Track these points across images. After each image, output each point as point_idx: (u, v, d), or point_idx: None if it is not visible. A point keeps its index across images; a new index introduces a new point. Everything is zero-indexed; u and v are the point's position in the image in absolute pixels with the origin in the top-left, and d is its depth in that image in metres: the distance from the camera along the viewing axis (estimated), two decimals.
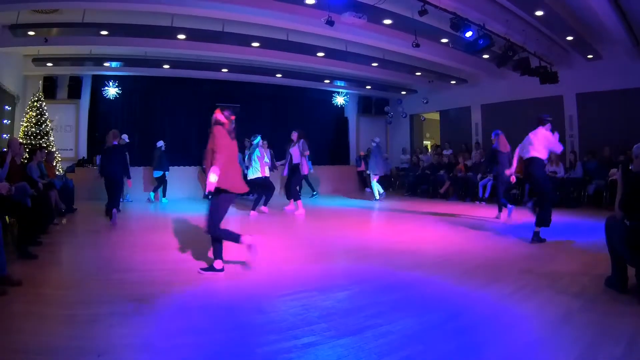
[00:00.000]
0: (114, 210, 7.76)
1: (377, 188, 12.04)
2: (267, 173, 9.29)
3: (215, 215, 4.42)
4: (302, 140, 9.71)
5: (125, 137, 10.03)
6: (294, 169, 9.70)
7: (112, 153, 7.85)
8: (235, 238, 4.44)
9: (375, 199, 11.97)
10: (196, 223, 8.29)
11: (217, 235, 4.46)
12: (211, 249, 4.56)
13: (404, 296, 3.72)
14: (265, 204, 9.54)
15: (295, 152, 9.71)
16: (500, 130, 8.54)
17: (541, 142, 6.21)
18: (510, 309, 3.36)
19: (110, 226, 7.52)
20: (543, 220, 5.92)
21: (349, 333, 2.88)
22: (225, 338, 2.83)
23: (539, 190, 6.26)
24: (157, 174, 11.70)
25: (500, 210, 8.34)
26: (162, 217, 9.31)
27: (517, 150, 6.59)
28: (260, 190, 9.51)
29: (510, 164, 7.35)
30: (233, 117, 4.81)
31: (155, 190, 11.97)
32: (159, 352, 2.64)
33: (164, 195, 11.98)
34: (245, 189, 4.74)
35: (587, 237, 6.30)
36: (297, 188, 9.92)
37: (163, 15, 9.06)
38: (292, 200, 9.67)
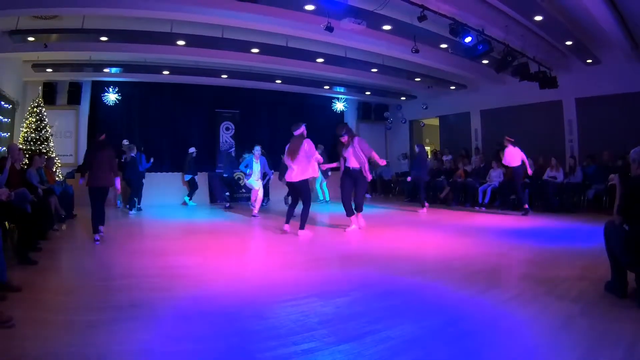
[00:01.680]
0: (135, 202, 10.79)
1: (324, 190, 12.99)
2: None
3: None
4: (356, 138, 7.71)
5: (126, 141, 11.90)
6: (354, 175, 7.64)
7: (134, 163, 10.76)
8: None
9: (321, 200, 12.99)
10: (196, 229, 8.29)
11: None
12: None
13: (403, 302, 3.71)
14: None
15: (350, 154, 7.66)
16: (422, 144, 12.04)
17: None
18: (510, 314, 3.36)
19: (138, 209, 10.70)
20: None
21: (349, 339, 2.87)
22: (225, 344, 2.83)
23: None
24: (188, 177, 12.46)
25: (423, 205, 10.75)
26: (162, 223, 9.30)
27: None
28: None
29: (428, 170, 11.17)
30: (102, 136, 6.87)
31: (190, 195, 12.62)
32: (158, 358, 2.64)
33: (190, 199, 12.54)
34: (102, 183, 6.47)
35: (587, 242, 6.30)
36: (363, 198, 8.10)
37: (162, 22, 9.10)
38: (355, 214, 7.80)
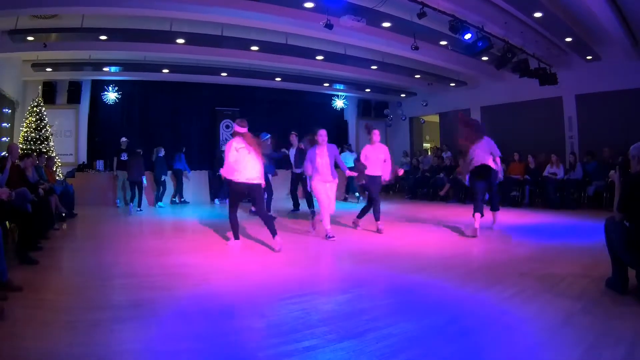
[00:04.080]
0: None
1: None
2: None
3: None
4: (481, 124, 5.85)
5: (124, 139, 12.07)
6: (484, 172, 6.52)
7: (161, 162, 11.63)
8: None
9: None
10: (197, 228, 8.29)
11: None
12: None
13: (404, 299, 3.71)
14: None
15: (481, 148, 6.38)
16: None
17: None
18: (510, 312, 3.36)
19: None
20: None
21: (350, 336, 2.87)
22: (226, 342, 2.83)
23: None
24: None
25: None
26: (164, 222, 9.30)
27: None
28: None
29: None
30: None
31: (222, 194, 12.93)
32: (159, 357, 2.64)
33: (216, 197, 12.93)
34: (134, 178, 10.09)
35: (587, 238, 6.30)
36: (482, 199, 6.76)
37: (162, 20, 9.10)
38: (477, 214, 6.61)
